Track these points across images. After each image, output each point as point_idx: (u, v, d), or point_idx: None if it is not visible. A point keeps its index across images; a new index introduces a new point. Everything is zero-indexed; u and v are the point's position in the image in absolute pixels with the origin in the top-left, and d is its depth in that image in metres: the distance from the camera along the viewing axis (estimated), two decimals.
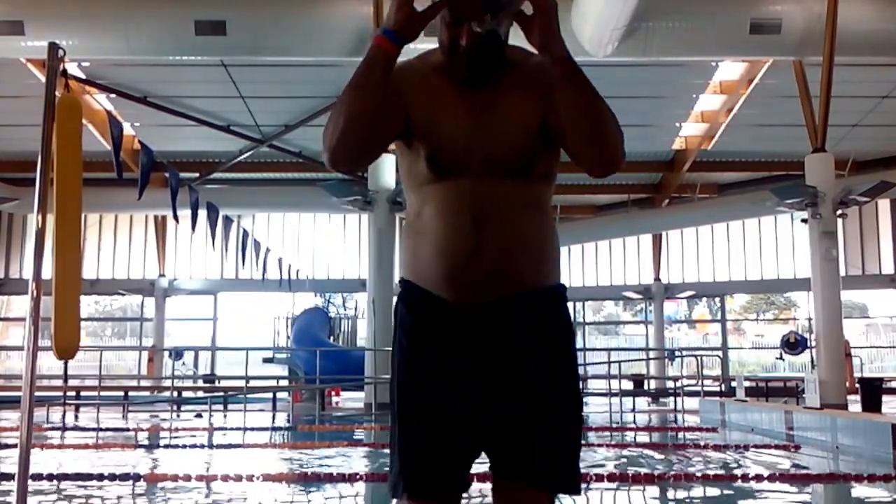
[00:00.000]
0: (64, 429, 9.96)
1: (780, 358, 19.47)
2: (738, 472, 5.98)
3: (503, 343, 1.71)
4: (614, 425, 10.34)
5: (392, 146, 1.82)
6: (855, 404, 11.17)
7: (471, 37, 1.65)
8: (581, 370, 10.74)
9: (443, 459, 1.72)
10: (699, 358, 15.71)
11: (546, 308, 1.75)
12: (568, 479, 1.72)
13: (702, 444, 8.32)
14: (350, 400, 16.15)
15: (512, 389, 1.70)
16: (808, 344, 16.94)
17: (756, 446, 7.96)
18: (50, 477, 5.56)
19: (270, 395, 14.80)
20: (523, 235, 1.70)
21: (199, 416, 12.16)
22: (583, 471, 1.84)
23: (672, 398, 16.11)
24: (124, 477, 5.61)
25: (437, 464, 1.72)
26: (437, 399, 1.71)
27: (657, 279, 21.76)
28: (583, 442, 1.86)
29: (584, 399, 7.20)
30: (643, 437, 9.52)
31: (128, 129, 16.86)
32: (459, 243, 1.68)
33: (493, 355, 1.71)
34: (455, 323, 1.72)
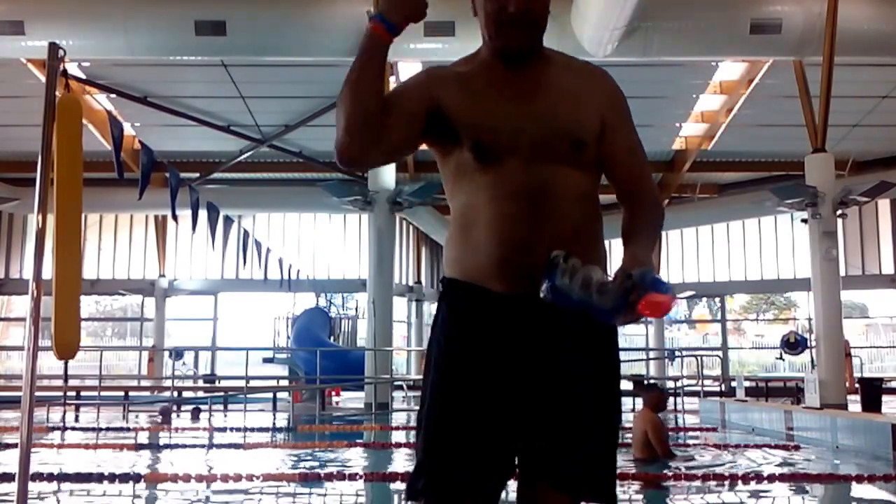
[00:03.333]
0: (64, 429, 9.95)
1: (780, 358, 19.45)
2: (738, 472, 5.98)
3: (548, 339, 1.65)
4: None
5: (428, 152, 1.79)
6: (855, 404, 11.16)
7: (520, 1, 1.63)
8: None
9: (471, 465, 1.62)
10: (699, 358, 15.70)
11: None
12: (600, 487, 1.65)
13: (702, 444, 8.33)
14: (350, 400, 16.14)
15: (552, 388, 1.64)
16: (808, 344, 16.92)
17: (756, 446, 7.96)
18: (50, 477, 5.55)
19: (270, 395, 14.80)
20: (578, 227, 1.66)
21: (196, 411, 12.13)
22: None
23: (672, 398, 16.09)
24: (124, 477, 5.61)
25: (465, 470, 1.62)
26: (474, 400, 1.64)
27: None
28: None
29: None
30: None
31: (128, 129, 16.86)
32: (515, 228, 1.63)
33: (537, 351, 1.65)
34: (501, 316, 1.65)
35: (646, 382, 7.74)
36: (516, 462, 1.69)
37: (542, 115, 1.67)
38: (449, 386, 1.67)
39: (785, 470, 6.26)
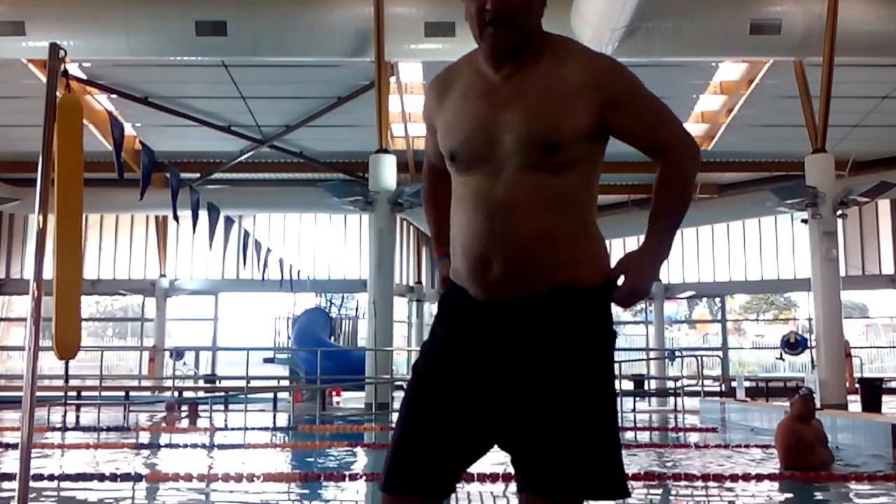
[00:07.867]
0: (65, 429, 9.95)
1: (780, 358, 19.45)
2: (738, 471, 5.98)
3: (521, 345, 1.66)
4: None
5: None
6: (855, 404, 11.17)
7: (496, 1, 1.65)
8: None
9: (428, 459, 1.68)
10: (699, 358, 15.70)
11: (569, 308, 1.67)
12: (593, 484, 1.63)
13: (702, 444, 8.33)
14: (351, 400, 16.15)
15: (527, 396, 1.64)
16: (808, 344, 16.93)
17: (756, 446, 7.96)
18: (51, 477, 5.56)
19: (271, 395, 14.79)
20: (542, 235, 1.65)
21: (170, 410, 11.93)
22: None
23: (672, 398, 16.10)
24: (124, 477, 5.62)
25: (421, 463, 1.68)
26: (446, 395, 1.69)
27: (657, 279, 21.72)
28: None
29: None
30: (643, 437, 9.52)
31: (129, 130, 16.86)
32: (475, 246, 1.68)
33: (511, 358, 1.66)
34: (477, 320, 1.71)
35: (797, 387, 7.53)
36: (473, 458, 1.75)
37: (517, 123, 1.66)
38: (424, 378, 1.75)
39: (785, 470, 6.25)
